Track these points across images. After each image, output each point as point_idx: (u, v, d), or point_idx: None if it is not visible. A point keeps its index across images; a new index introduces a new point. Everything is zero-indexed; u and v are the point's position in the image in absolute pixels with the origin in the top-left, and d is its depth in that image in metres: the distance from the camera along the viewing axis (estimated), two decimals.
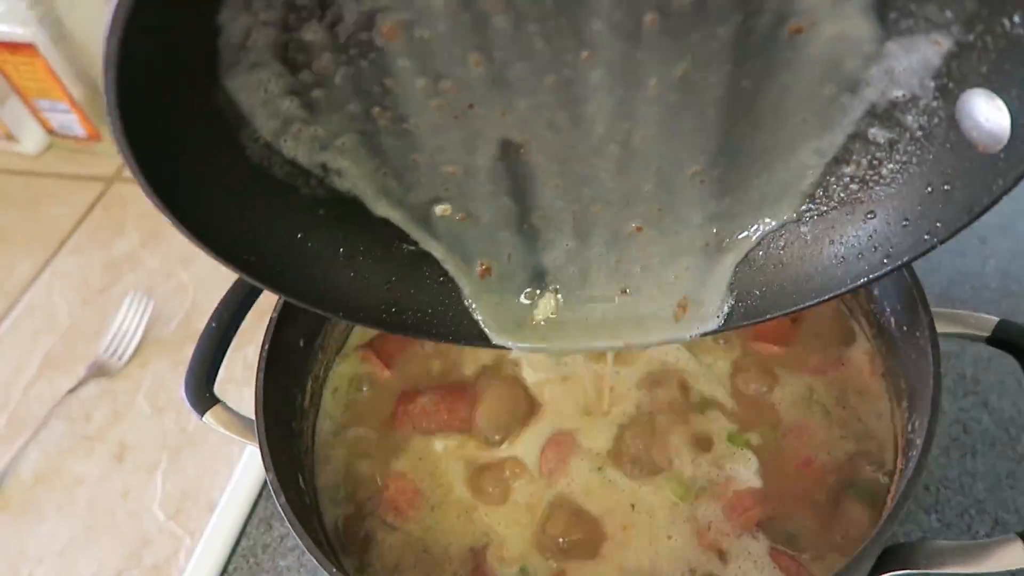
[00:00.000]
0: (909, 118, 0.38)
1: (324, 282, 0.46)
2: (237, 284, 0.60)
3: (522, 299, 0.50)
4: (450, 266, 0.49)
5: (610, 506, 0.52)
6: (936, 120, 0.37)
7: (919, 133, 0.38)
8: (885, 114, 0.38)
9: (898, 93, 0.37)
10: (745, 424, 0.54)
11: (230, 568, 0.71)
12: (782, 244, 0.46)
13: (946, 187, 0.38)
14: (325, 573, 0.69)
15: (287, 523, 0.45)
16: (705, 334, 0.48)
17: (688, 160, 0.42)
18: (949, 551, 0.43)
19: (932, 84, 0.36)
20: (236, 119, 0.38)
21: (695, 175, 0.43)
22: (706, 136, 0.41)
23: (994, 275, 0.79)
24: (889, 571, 0.44)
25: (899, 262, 0.41)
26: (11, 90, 1.11)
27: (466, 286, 0.49)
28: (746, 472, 0.52)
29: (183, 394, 0.56)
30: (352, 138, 0.42)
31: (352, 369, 0.62)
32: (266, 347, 0.52)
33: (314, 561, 0.70)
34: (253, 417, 0.52)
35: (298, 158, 0.41)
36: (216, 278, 0.98)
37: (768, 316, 0.47)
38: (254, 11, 0.34)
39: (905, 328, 0.49)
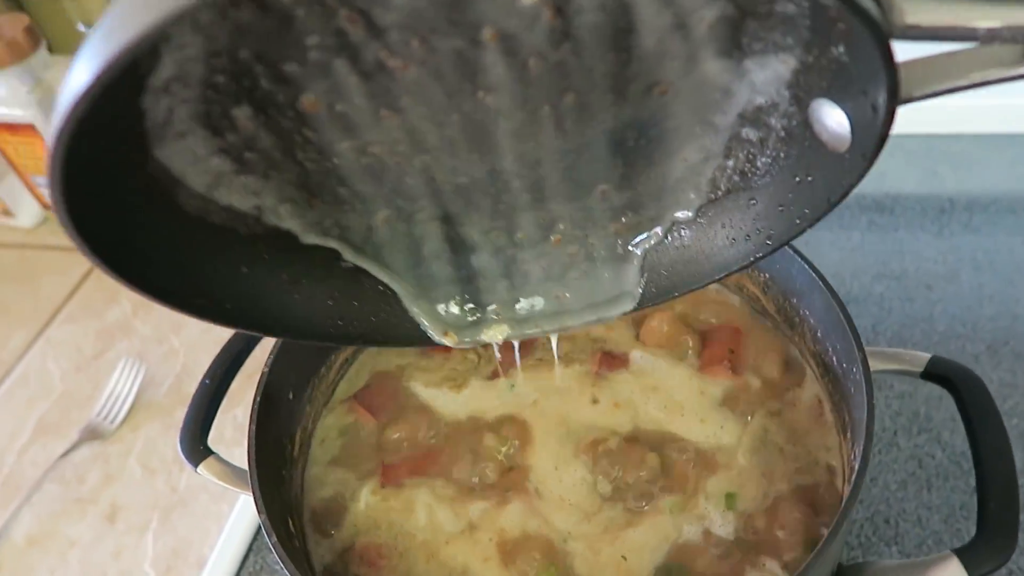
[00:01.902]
0: (773, 120, 0.43)
1: (273, 308, 0.50)
2: (229, 343, 0.64)
3: (455, 303, 0.54)
4: (385, 278, 0.52)
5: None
6: (794, 122, 0.42)
7: (783, 133, 0.43)
8: (753, 117, 0.43)
9: (761, 100, 0.42)
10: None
11: None
12: (683, 229, 0.52)
13: (809, 178, 0.44)
14: None
15: (279, 564, 0.48)
16: (625, 313, 0.53)
17: (594, 179, 0.48)
18: (892, 570, 0.47)
19: (787, 93, 0.41)
20: (171, 182, 0.41)
21: (603, 192, 0.49)
22: (605, 156, 0.46)
23: (941, 318, 0.85)
24: None
25: (780, 243, 0.47)
26: (9, 168, 1.16)
27: (403, 295, 0.53)
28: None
29: (179, 447, 0.59)
30: (279, 183, 0.45)
31: (338, 420, 0.65)
32: (258, 399, 0.56)
33: None
34: (245, 467, 0.56)
35: (233, 204, 0.44)
36: (205, 342, 1.02)
37: (676, 293, 0.52)
38: (173, 92, 0.37)
39: (845, 365, 0.54)
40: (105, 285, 1.13)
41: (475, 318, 0.54)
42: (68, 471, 0.89)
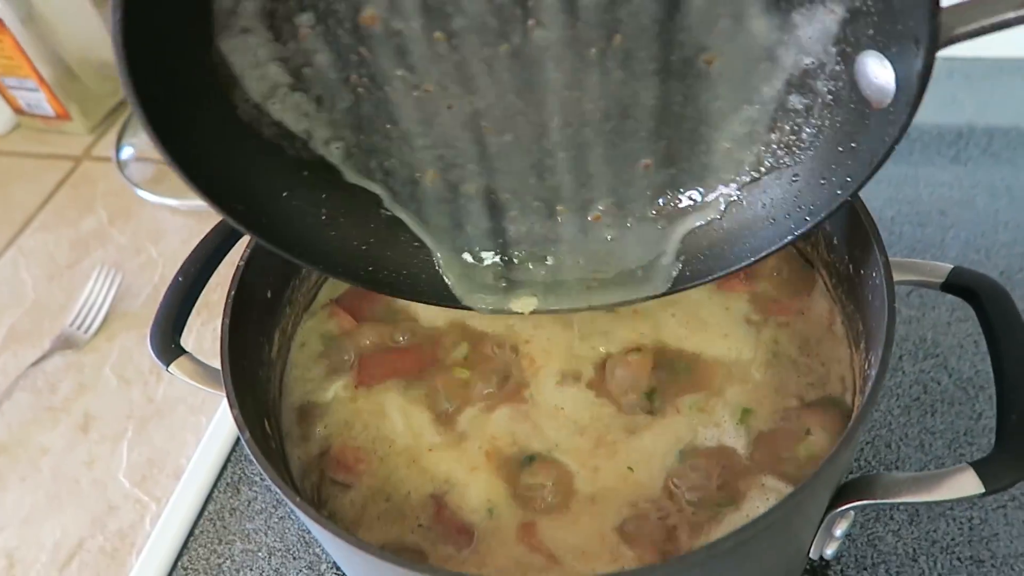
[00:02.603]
0: (819, 83, 0.43)
1: (306, 238, 0.50)
2: (206, 239, 0.60)
3: (489, 268, 0.53)
4: (421, 233, 0.52)
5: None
6: (840, 83, 0.42)
7: (829, 97, 0.43)
8: (800, 82, 0.43)
9: (808, 61, 0.42)
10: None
11: (196, 531, 0.70)
12: (722, 210, 0.50)
13: (852, 144, 0.43)
14: (292, 534, 0.69)
15: (258, 474, 0.45)
16: (656, 296, 0.52)
17: (638, 152, 0.48)
18: (904, 482, 0.44)
19: (833, 50, 0.41)
20: (228, 79, 0.42)
21: (646, 167, 0.48)
22: (649, 127, 0.46)
23: (953, 245, 0.81)
24: (848, 502, 0.45)
25: (818, 218, 0.45)
26: None
27: (436, 253, 0.53)
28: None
29: (148, 344, 0.56)
30: (331, 110, 0.46)
31: (320, 325, 0.62)
32: (232, 292, 0.52)
33: (281, 524, 0.70)
34: (218, 368, 0.53)
35: (284, 121, 0.45)
36: (185, 252, 0.97)
37: (711, 277, 0.51)
38: None
39: (862, 272, 0.50)
40: (80, 194, 1.08)
41: (505, 286, 0.54)
42: (40, 380, 0.86)
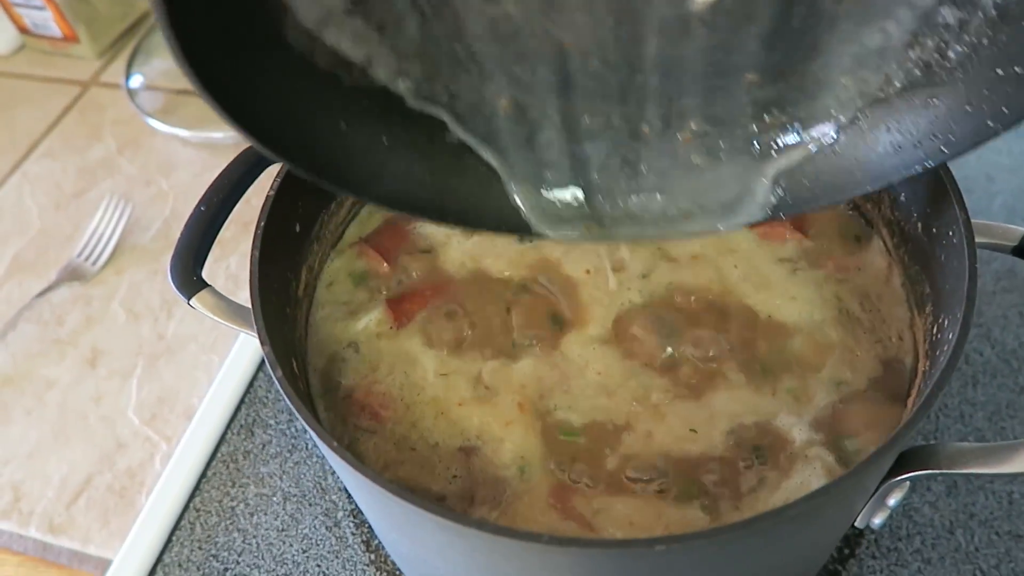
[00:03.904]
0: None
1: (368, 171, 0.45)
2: (229, 169, 0.57)
3: (564, 192, 0.48)
4: (490, 158, 0.48)
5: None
6: None
7: (993, 12, 0.36)
8: None
9: None
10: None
11: (208, 473, 0.68)
12: (835, 135, 0.44)
13: (1017, 69, 0.36)
14: (308, 480, 0.67)
15: (272, 418, 0.42)
16: (751, 225, 0.46)
17: (742, 65, 0.41)
18: (971, 452, 0.42)
19: None
20: (278, 7, 0.38)
21: (750, 83, 0.41)
22: (762, 36, 0.39)
23: (1000, 212, 0.78)
24: (909, 471, 0.43)
25: (960, 150, 0.39)
26: None
27: (507, 178, 0.48)
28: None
29: (169, 276, 0.53)
30: (395, 33, 0.41)
31: (348, 264, 0.59)
32: (262, 223, 0.49)
33: (297, 469, 0.68)
34: (242, 303, 0.50)
35: (340, 48, 0.41)
36: (198, 186, 0.94)
37: (817, 205, 0.45)
38: None
39: (934, 230, 0.47)
40: (87, 121, 1.03)
41: (579, 213, 0.49)
42: (46, 311, 0.83)
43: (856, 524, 0.49)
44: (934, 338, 0.46)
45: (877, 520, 0.48)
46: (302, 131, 0.41)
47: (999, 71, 0.37)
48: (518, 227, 0.49)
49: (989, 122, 0.38)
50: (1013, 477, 0.61)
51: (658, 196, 0.47)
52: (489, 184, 0.48)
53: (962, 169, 0.83)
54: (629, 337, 0.52)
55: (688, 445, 0.48)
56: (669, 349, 0.51)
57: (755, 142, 0.45)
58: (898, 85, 0.41)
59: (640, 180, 0.47)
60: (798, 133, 0.44)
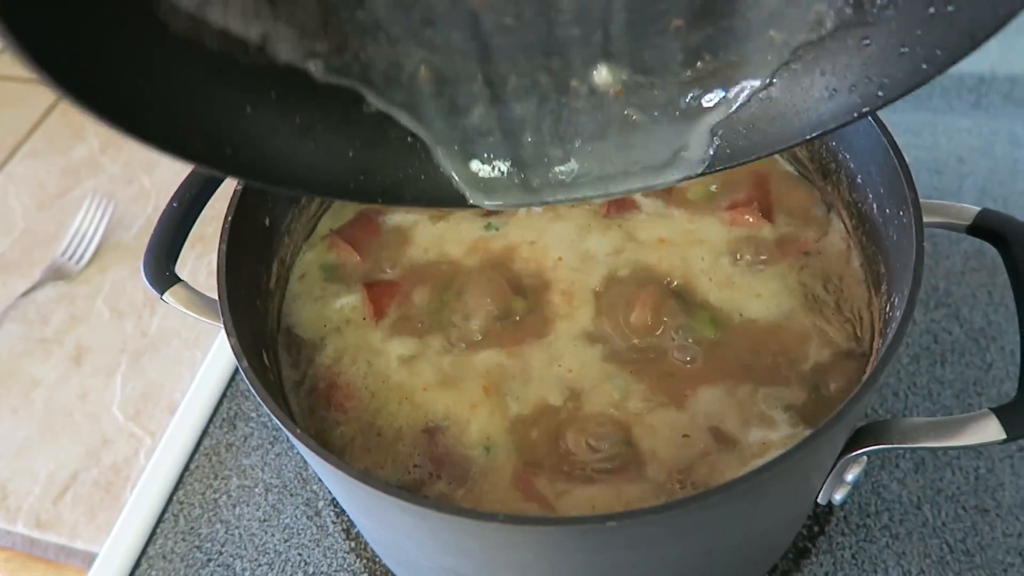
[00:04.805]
0: None
1: (283, 158, 0.42)
2: None
3: (496, 158, 0.46)
4: (413, 127, 0.45)
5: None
6: None
7: None
8: None
9: None
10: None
11: (192, 466, 0.69)
12: (768, 79, 0.43)
13: (950, 8, 0.35)
14: (289, 471, 0.68)
15: (254, 410, 0.43)
16: (688, 178, 0.46)
17: (667, 8, 0.39)
18: (923, 427, 0.43)
19: None
20: None
21: (677, 29, 0.40)
22: None
23: (970, 192, 0.79)
24: (864, 447, 0.44)
25: (895, 94, 0.39)
26: None
27: (433, 146, 0.45)
28: None
29: (142, 272, 0.54)
30: (289, 2, 0.38)
31: (320, 257, 0.60)
32: (229, 218, 0.50)
33: (278, 460, 0.69)
34: (215, 296, 0.51)
35: (230, 28, 0.37)
36: (179, 183, 0.94)
37: (754, 156, 0.44)
38: None
39: (888, 211, 0.48)
40: (70, 121, 1.04)
41: (512, 178, 0.47)
42: (31, 310, 0.84)
43: (819, 500, 0.51)
44: (887, 316, 0.47)
45: (838, 496, 0.50)
46: (202, 122, 0.38)
47: (931, 9, 0.36)
48: (451, 199, 0.46)
49: (924, 64, 0.37)
50: (962, 449, 0.62)
51: (593, 155, 0.46)
52: (416, 154, 0.46)
53: (932, 151, 0.84)
54: (599, 329, 0.53)
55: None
56: (636, 341, 0.52)
57: (688, 91, 0.43)
58: (830, 25, 0.40)
59: (574, 139, 0.46)
60: (731, 79, 0.43)
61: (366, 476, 0.38)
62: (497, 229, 0.60)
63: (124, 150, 0.98)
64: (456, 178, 0.46)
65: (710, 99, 0.43)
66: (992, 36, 0.34)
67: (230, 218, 0.50)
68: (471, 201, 0.46)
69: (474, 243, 0.59)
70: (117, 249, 0.88)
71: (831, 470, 0.46)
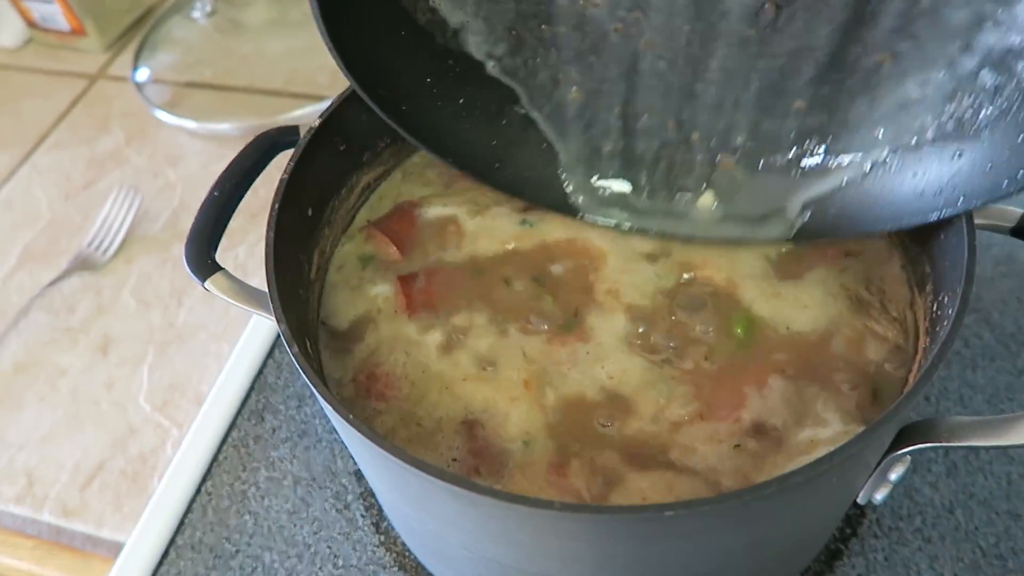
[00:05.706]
0: (1020, 65, 0.39)
1: (442, 128, 0.52)
2: (242, 155, 0.58)
3: (611, 181, 0.53)
4: (551, 136, 0.53)
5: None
6: None
7: None
8: (999, 59, 0.39)
9: (1016, 39, 0.38)
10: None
11: (220, 458, 0.69)
12: (866, 171, 0.47)
13: None
14: (318, 464, 0.68)
15: (283, 403, 0.43)
16: (775, 240, 0.51)
17: (794, 91, 0.45)
18: (969, 425, 0.43)
19: None
20: None
21: (798, 109, 0.45)
22: (817, 67, 0.43)
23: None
24: (910, 445, 0.44)
25: (973, 204, 0.42)
26: None
27: (563, 157, 0.53)
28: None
29: (184, 260, 0.53)
30: (492, 3, 0.47)
31: (357, 248, 0.60)
32: (276, 205, 0.50)
33: (307, 454, 0.69)
34: (256, 287, 0.51)
35: (440, 10, 0.47)
36: (205, 177, 0.95)
37: (835, 236, 0.49)
38: None
39: None
40: (95, 113, 1.04)
41: (624, 203, 0.54)
42: (57, 300, 0.84)
43: (858, 500, 0.50)
44: (934, 315, 0.47)
45: (879, 495, 0.49)
46: (392, 79, 0.48)
47: (1020, 138, 0.40)
48: (562, 206, 0.53)
49: (1005, 181, 0.41)
50: (1011, 450, 0.62)
51: (694, 198, 0.51)
52: (546, 161, 0.53)
53: None
54: (643, 335, 0.53)
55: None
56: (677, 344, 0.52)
57: (793, 165, 0.48)
58: (930, 135, 0.44)
59: (681, 180, 0.51)
60: (833, 163, 0.47)
61: (420, 462, 0.38)
62: (532, 225, 0.60)
63: (149, 142, 0.99)
64: (572, 189, 0.53)
65: (811, 176, 0.48)
66: None
67: (276, 205, 0.50)
68: (580, 211, 0.54)
69: (511, 238, 0.59)
70: (143, 241, 0.88)
71: (874, 469, 0.46)
